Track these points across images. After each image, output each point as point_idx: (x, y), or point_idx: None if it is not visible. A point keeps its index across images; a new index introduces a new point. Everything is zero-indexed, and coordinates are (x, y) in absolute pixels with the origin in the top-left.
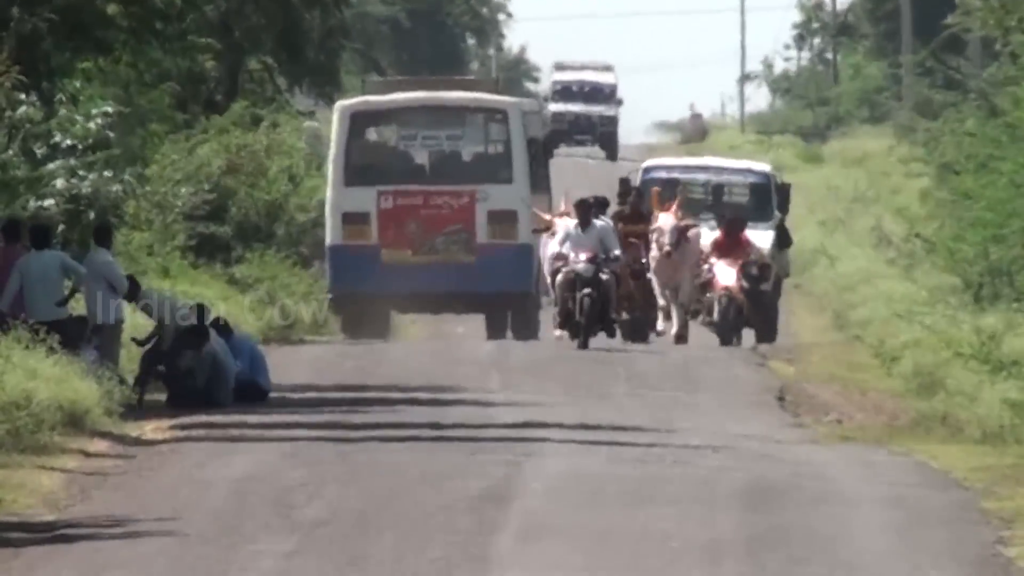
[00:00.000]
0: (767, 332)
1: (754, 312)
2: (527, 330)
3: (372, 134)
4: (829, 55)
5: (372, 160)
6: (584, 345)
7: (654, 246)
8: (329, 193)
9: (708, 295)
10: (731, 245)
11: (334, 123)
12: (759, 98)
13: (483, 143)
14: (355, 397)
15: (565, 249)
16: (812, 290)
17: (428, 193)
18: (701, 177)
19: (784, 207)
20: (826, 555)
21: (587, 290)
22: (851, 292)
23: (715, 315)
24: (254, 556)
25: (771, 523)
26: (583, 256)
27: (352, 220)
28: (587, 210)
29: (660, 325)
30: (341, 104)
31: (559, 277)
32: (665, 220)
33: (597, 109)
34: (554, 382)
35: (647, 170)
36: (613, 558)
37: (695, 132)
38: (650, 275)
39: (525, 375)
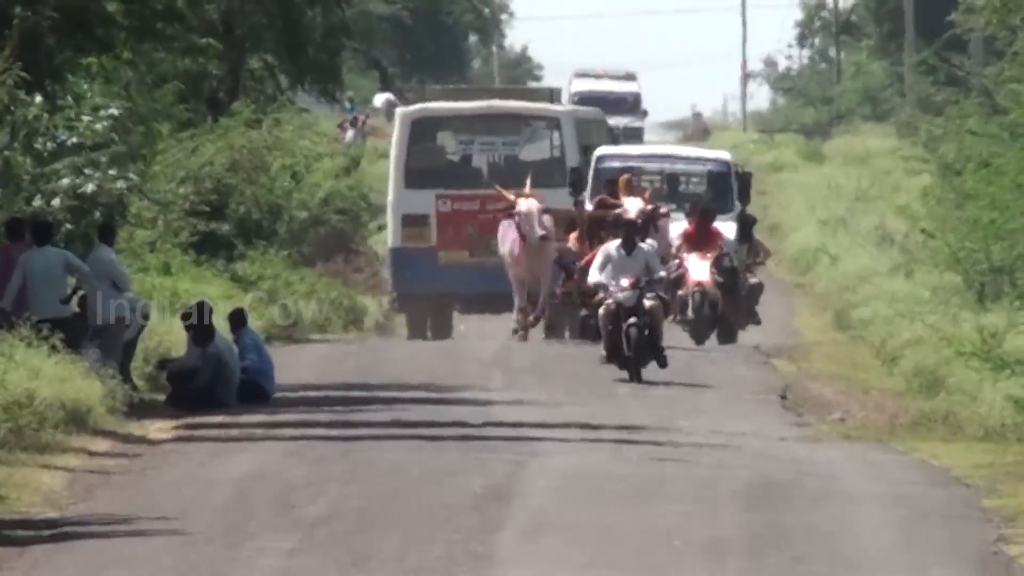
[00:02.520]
0: (732, 332)
1: (730, 308)
2: (585, 329)
3: (432, 140)
4: (831, 53)
5: (431, 165)
6: (637, 378)
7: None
8: (390, 196)
9: (680, 292)
10: (702, 237)
11: (396, 128)
12: (761, 97)
13: (537, 149)
14: (358, 396)
15: (604, 277)
16: (814, 289)
17: (485, 197)
18: (656, 166)
19: (745, 197)
20: (828, 553)
21: (632, 319)
22: (853, 291)
23: (689, 312)
24: (257, 554)
25: (773, 521)
26: (624, 282)
27: (412, 222)
28: (633, 231)
29: None
30: (403, 110)
31: (601, 309)
32: (632, 204)
33: (621, 121)
34: (557, 380)
35: (600, 159)
36: (616, 556)
37: (697, 131)
38: None
39: (528, 374)
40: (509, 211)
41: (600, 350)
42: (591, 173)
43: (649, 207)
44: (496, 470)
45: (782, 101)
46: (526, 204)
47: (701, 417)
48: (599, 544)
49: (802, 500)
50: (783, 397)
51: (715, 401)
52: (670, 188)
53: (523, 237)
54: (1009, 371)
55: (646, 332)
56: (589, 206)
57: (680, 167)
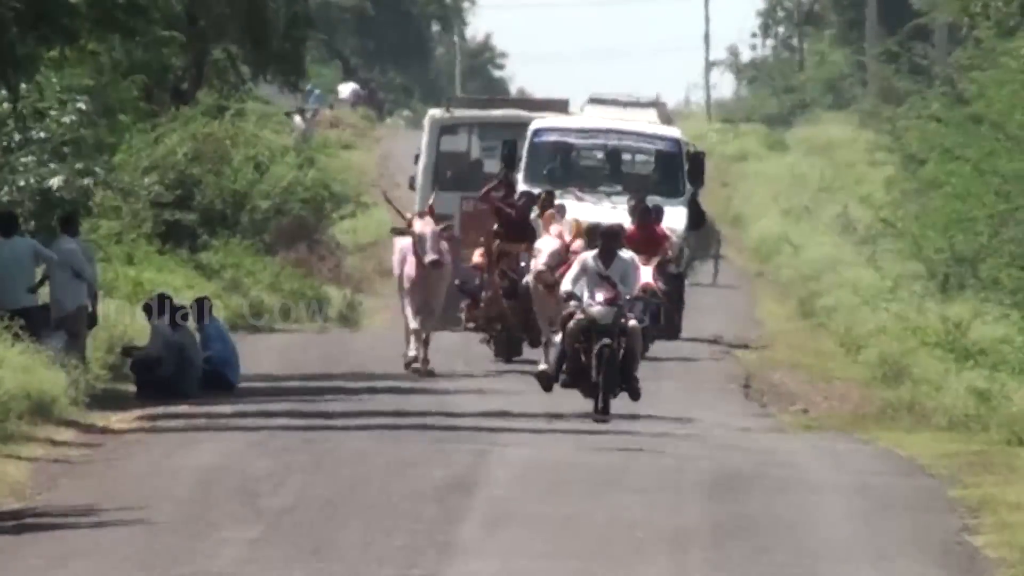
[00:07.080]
0: (676, 331)
1: (673, 315)
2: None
3: (457, 144)
4: (794, 42)
5: (457, 167)
6: (605, 411)
7: (532, 266)
8: (418, 197)
9: None
10: (645, 239)
11: (424, 133)
12: (725, 86)
13: None
14: (321, 386)
15: (579, 289)
16: (777, 278)
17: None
18: (599, 142)
19: (697, 179)
20: (791, 543)
21: (606, 340)
22: (816, 280)
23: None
24: (220, 544)
25: (736, 511)
26: (601, 296)
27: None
28: (612, 240)
29: (542, 364)
30: (431, 117)
31: (570, 324)
32: (546, 244)
33: None
34: (519, 371)
35: (536, 132)
36: (578, 546)
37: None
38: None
39: (490, 364)
40: (403, 231)
41: (542, 365)
42: (526, 147)
43: (567, 244)
44: (458, 460)
45: (745, 90)
46: (420, 225)
47: (664, 407)
48: (561, 534)
49: (766, 490)
50: (746, 387)
51: (678, 391)
52: (612, 167)
53: (418, 259)
54: (973, 361)
55: (620, 356)
56: (521, 186)
57: (625, 144)
